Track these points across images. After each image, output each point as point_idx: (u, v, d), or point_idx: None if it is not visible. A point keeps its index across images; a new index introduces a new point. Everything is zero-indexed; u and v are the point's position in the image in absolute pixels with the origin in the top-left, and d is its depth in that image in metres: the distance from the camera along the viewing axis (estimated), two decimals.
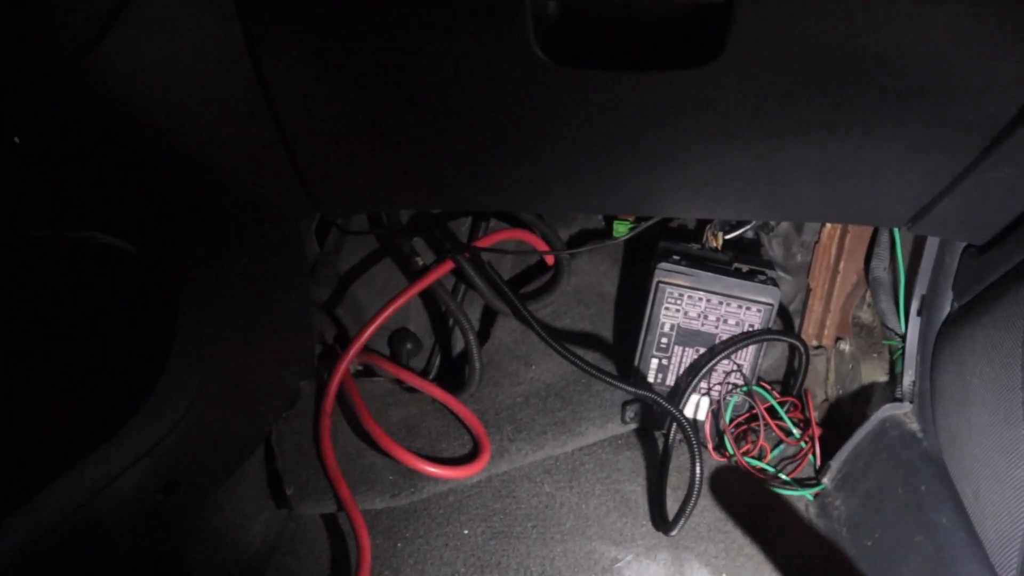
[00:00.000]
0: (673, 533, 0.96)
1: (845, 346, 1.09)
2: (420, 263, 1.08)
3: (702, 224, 1.09)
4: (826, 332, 1.10)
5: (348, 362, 1.02)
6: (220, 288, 0.80)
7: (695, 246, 1.05)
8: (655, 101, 0.63)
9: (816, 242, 1.09)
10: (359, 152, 0.73)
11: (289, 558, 0.94)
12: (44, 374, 0.78)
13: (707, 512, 1.00)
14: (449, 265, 1.08)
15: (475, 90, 0.63)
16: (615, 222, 1.12)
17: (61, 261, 0.78)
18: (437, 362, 1.15)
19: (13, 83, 0.62)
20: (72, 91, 0.64)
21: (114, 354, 0.78)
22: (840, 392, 1.09)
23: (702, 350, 1.02)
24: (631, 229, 1.08)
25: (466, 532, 0.98)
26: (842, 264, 1.06)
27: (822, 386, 1.11)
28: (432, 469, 0.98)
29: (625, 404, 1.08)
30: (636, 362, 1.04)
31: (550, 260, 1.17)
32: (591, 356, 1.09)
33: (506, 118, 0.67)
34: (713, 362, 1.01)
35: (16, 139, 0.73)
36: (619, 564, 0.95)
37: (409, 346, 1.13)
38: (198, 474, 0.83)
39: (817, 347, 1.11)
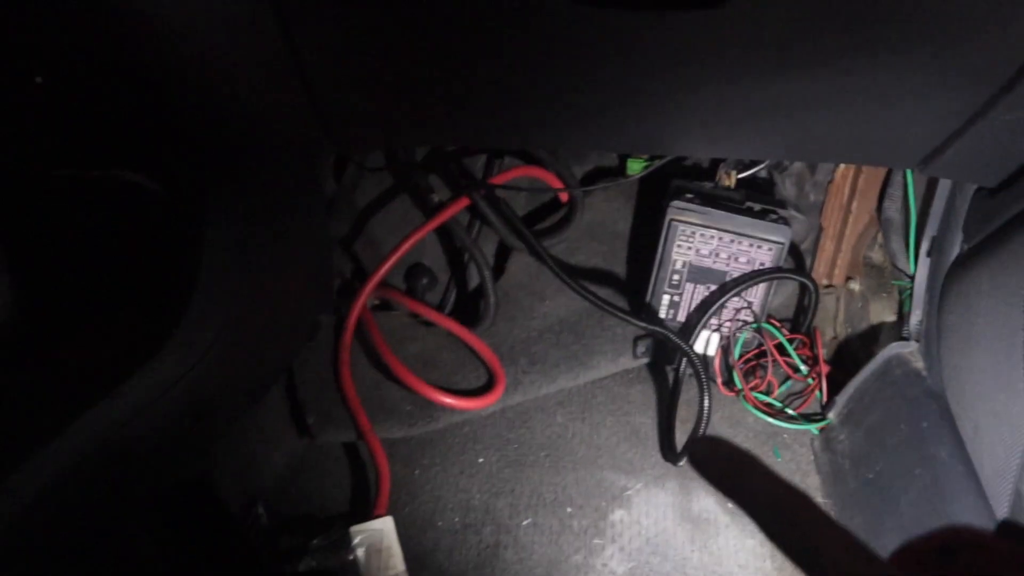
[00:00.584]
0: (681, 463, 1.00)
1: (855, 286, 1.11)
2: (436, 199, 1.09)
3: (715, 163, 1.10)
4: (837, 271, 1.12)
5: (366, 296, 1.05)
6: (243, 224, 0.82)
7: (708, 184, 1.06)
8: (671, 40, 0.64)
9: (829, 182, 1.09)
10: (377, 89, 0.74)
11: (311, 484, 0.98)
12: (75, 309, 0.81)
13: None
14: (464, 201, 1.09)
15: (491, 26, 0.64)
16: (629, 160, 1.13)
17: (87, 199, 0.80)
18: (452, 297, 1.17)
19: (39, 18, 0.64)
20: (96, 27, 0.65)
21: (142, 289, 0.80)
22: (849, 331, 1.11)
23: (713, 287, 1.04)
24: (645, 167, 1.09)
25: (481, 460, 1.01)
26: (855, 204, 1.07)
27: (831, 324, 1.13)
28: (448, 400, 1.01)
29: (636, 339, 1.10)
30: (648, 298, 1.06)
31: (564, 197, 1.18)
32: (604, 292, 1.10)
33: (522, 55, 0.67)
34: (724, 299, 1.02)
35: (39, 79, 0.74)
36: (628, 492, 0.99)
37: (425, 281, 1.15)
38: (224, 403, 0.86)
39: (827, 286, 1.13)
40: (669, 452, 1.02)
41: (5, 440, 0.66)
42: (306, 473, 0.99)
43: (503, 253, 1.20)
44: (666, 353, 1.10)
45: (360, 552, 0.86)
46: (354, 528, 0.87)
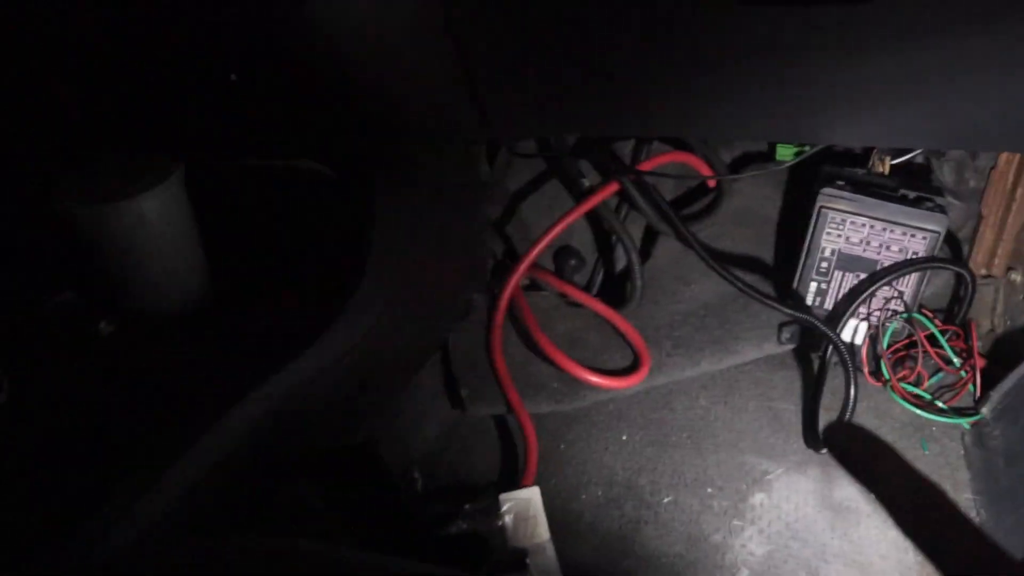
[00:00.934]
0: (824, 451, 1.00)
1: (1017, 276, 1.06)
2: (586, 184, 1.13)
3: (869, 148, 1.08)
4: (997, 261, 1.08)
5: (518, 277, 1.10)
6: (409, 209, 0.88)
7: (860, 171, 1.04)
8: (821, 30, 0.64)
9: (992, 168, 1.05)
10: (533, 81, 0.78)
11: (462, 453, 1.04)
12: (258, 285, 0.90)
13: None
14: (614, 186, 1.12)
15: (648, 19, 0.67)
16: (779, 146, 1.12)
17: (272, 185, 0.88)
18: (600, 278, 1.20)
19: (236, 28, 0.71)
20: (284, 29, 0.72)
21: (317, 267, 0.88)
22: (1008, 323, 1.07)
23: (863, 276, 1.02)
24: (796, 154, 1.08)
25: (624, 438, 1.05)
26: (1019, 192, 1.03)
27: (988, 316, 1.09)
28: (594, 379, 1.05)
29: (782, 325, 1.10)
30: (795, 285, 1.06)
31: (712, 183, 1.19)
32: (750, 277, 1.11)
33: (677, 47, 0.70)
34: (873, 288, 1.01)
35: (233, 76, 0.83)
36: (769, 476, 1.00)
37: (573, 262, 1.18)
38: (385, 376, 0.93)
39: (986, 276, 1.09)
40: (812, 439, 1.02)
41: (197, 400, 0.75)
42: (458, 443, 1.05)
43: (650, 237, 1.22)
44: (812, 340, 1.09)
45: (508, 519, 0.92)
46: (503, 496, 0.93)
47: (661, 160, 1.14)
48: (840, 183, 1.00)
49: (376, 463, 0.83)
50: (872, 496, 0.32)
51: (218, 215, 0.86)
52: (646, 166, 1.13)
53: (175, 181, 0.80)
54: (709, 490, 0.99)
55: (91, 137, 0.74)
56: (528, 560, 0.88)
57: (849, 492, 0.98)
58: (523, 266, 1.10)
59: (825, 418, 1.03)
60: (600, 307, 1.12)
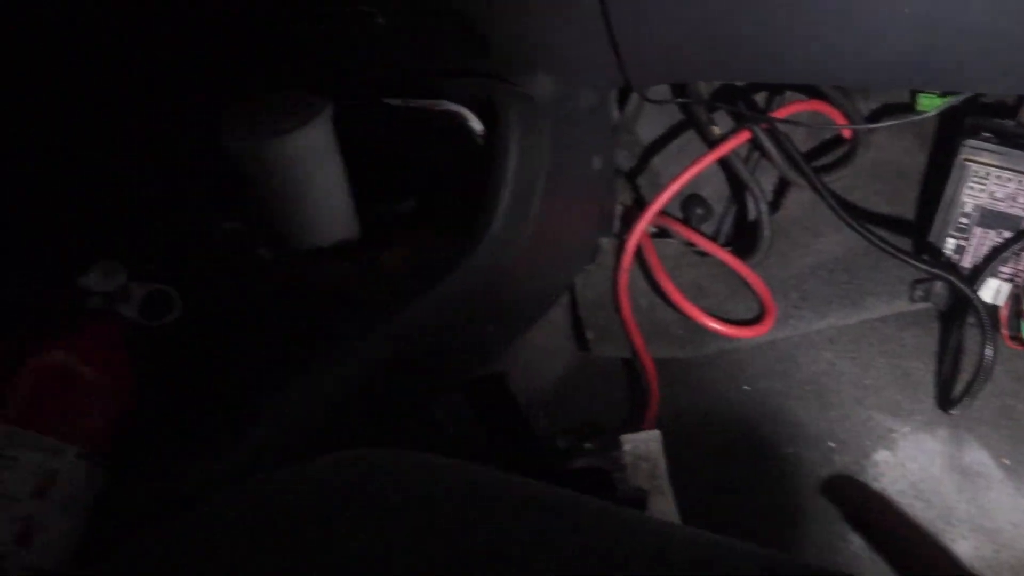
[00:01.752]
0: (954, 412, 0.98)
1: None
2: (716, 132, 1.12)
3: (1021, 99, 1.03)
4: None
5: (645, 223, 1.10)
6: (540, 151, 0.90)
7: (1010, 123, 0.99)
8: None
9: None
10: (670, 26, 0.78)
11: (586, 393, 1.07)
12: (397, 220, 0.94)
13: (994, 398, 1.00)
14: (745, 135, 1.10)
15: None
16: (920, 95, 1.08)
17: (412, 125, 0.91)
18: (727, 228, 1.20)
19: None
20: None
21: (455, 204, 0.91)
22: None
23: (1007, 234, 0.99)
24: (939, 104, 1.04)
25: (746, 388, 1.05)
26: None
27: None
28: (718, 327, 1.06)
29: (915, 282, 1.07)
30: (930, 240, 1.03)
31: (847, 133, 1.16)
32: (883, 232, 1.08)
33: None
34: (1018, 246, 0.97)
35: (380, 19, 0.86)
36: (895, 435, 0.99)
37: (700, 211, 1.18)
38: (515, 312, 0.96)
39: None
40: (943, 399, 1.00)
41: (340, 325, 0.79)
42: (583, 383, 1.08)
43: (780, 187, 1.20)
44: (947, 299, 1.06)
45: (628, 459, 0.94)
46: (624, 436, 0.95)
47: (795, 108, 1.12)
48: (986, 135, 0.97)
49: (506, 394, 0.87)
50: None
51: (363, 152, 0.90)
52: (779, 114, 1.11)
53: (324, 120, 0.84)
54: (831, 444, 0.99)
55: (254, 78, 0.79)
56: (647, 500, 0.90)
57: (980, 456, 0.96)
58: (650, 212, 1.10)
59: (959, 381, 1.00)
60: (726, 256, 1.11)
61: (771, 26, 0.75)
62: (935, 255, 1.03)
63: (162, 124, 0.89)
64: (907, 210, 1.14)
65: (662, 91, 1.17)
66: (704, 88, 1.15)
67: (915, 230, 1.10)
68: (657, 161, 1.20)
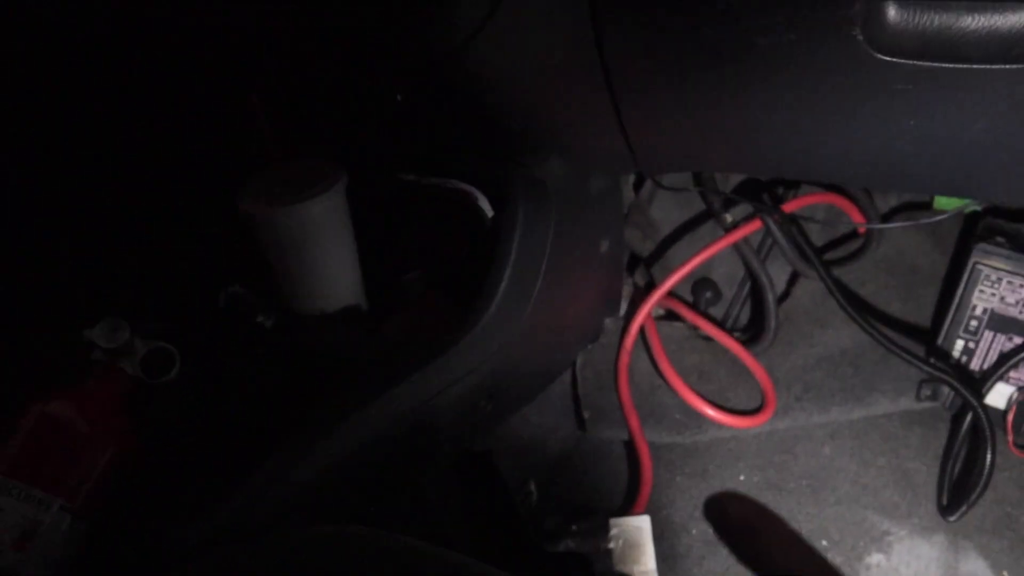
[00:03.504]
0: (952, 518, 0.96)
1: None
2: (729, 219, 1.13)
3: None
4: None
5: (651, 305, 1.11)
6: (546, 235, 0.92)
7: None
8: (983, 93, 0.63)
9: None
10: (680, 125, 0.80)
11: (579, 473, 1.07)
12: (400, 293, 0.96)
13: (996, 506, 0.98)
14: (757, 224, 1.11)
15: (796, 76, 0.67)
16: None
17: (422, 200, 0.94)
18: (735, 314, 1.20)
19: (408, 67, 0.77)
20: (447, 71, 0.78)
21: (456, 281, 0.93)
22: None
23: (1018, 339, 0.98)
24: (957, 206, 1.04)
25: (742, 478, 1.05)
26: None
27: None
28: (716, 414, 1.06)
29: (923, 382, 1.07)
30: (940, 341, 1.03)
31: (861, 228, 1.16)
32: (891, 329, 1.08)
33: (826, 100, 0.70)
34: None
35: (399, 97, 0.89)
36: (890, 537, 0.97)
37: (709, 295, 1.18)
38: (513, 389, 0.97)
39: None
40: (942, 504, 0.99)
41: (338, 392, 0.81)
42: (576, 463, 1.08)
43: (792, 276, 1.20)
44: (955, 400, 1.05)
45: (616, 544, 0.94)
46: (613, 520, 0.95)
47: (809, 200, 1.13)
48: (999, 239, 0.97)
49: (495, 473, 0.88)
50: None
51: (374, 223, 0.92)
52: (792, 206, 1.12)
53: (338, 190, 0.86)
54: (824, 542, 0.98)
55: (274, 148, 0.83)
56: None
57: (977, 566, 0.94)
58: (658, 294, 1.11)
59: (962, 485, 0.99)
60: (731, 343, 1.12)
61: (779, 132, 0.76)
62: (943, 356, 1.03)
63: (179, 187, 0.93)
64: (918, 307, 1.14)
65: (678, 176, 1.18)
66: (720, 176, 1.17)
67: (925, 329, 1.10)
68: (668, 244, 1.21)
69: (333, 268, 0.90)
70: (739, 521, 0.33)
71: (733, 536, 0.34)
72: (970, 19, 0.60)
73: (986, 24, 0.60)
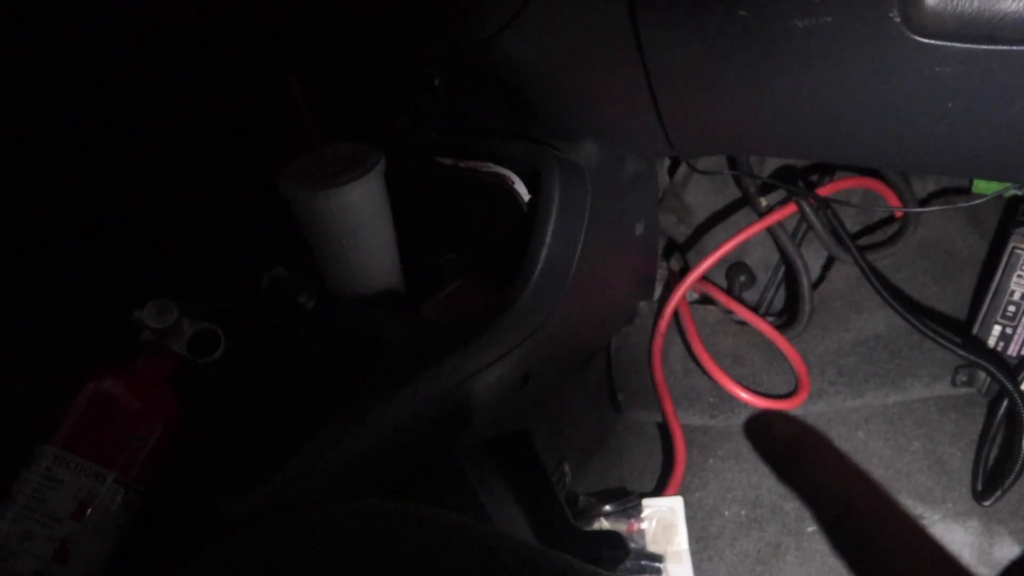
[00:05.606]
0: (987, 503, 0.96)
1: None
2: (764, 203, 1.13)
3: None
4: None
5: (685, 289, 1.12)
6: (584, 214, 0.93)
7: None
8: (1021, 74, 0.63)
9: None
10: (715, 108, 0.81)
11: (613, 454, 1.08)
12: (438, 275, 0.97)
13: None
14: (792, 208, 1.11)
15: (834, 58, 0.68)
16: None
17: (459, 183, 0.95)
18: (769, 298, 1.20)
19: (446, 52, 0.78)
20: (484, 55, 0.79)
21: (494, 261, 0.94)
22: None
23: None
24: (996, 190, 1.03)
25: None
26: None
27: None
28: (749, 397, 1.06)
29: (958, 367, 1.06)
30: (976, 326, 1.02)
31: (898, 212, 1.16)
32: (927, 313, 1.08)
33: (863, 82, 0.70)
34: None
35: (437, 82, 0.90)
36: (924, 521, 0.97)
37: (743, 279, 1.19)
38: (548, 370, 0.98)
39: None
40: (977, 489, 0.99)
41: (379, 373, 0.82)
42: (611, 444, 1.09)
43: (828, 261, 1.20)
44: (991, 385, 1.05)
45: (649, 524, 0.95)
46: (646, 500, 0.96)
47: (845, 184, 1.13)
48: None
49: (531, 452, 0.89)
50: None
51: (412, 206, 0.94)
52: (827, 190, 1.12)
53: (377, 174, 0.88)
54: None
55: (314, 132, 0.84)
56: (664, 565, 0.91)
57: (1012, 551, 0.94)
58: (692, 278, 1.12)
59: (997, 471, 0.99)
60: (765, 327, 1.12)
61: (816, 115, 0.76)
62: (980, 341, 1.02)
63: (222, 171, 0.95)
64: (955, 293, 1.13)
65: (712, 160, 1.19)
66: (755, 160, 1.17)
67: (962, 314, 1.10)
68: (703, 228, 1.21)
69: (372, 251, 0.91)
70: (785, 442, 0.33)
71: (777, 458, 0.34)
72: (1009, 1, 0.60)
73: None
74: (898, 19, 0.61)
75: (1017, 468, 0.94)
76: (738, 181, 1.18)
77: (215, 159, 0.96)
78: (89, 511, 0.65)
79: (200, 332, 0.75)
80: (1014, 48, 0.61)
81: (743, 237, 1.11)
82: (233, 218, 0.96)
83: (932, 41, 0.62)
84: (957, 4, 0.62)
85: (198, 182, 0.95)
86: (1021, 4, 0.60)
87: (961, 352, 0.99)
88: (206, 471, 0.72)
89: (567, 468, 1.01)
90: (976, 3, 0.61)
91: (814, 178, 1.16)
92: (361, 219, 0.89)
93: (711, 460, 1.06)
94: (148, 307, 0.73)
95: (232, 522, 0.66)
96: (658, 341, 1.11)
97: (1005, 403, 0.99)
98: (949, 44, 0.62)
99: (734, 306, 1.14)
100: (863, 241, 1.17)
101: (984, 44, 0.62)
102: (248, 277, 0.84)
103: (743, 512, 1.01)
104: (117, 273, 0.91)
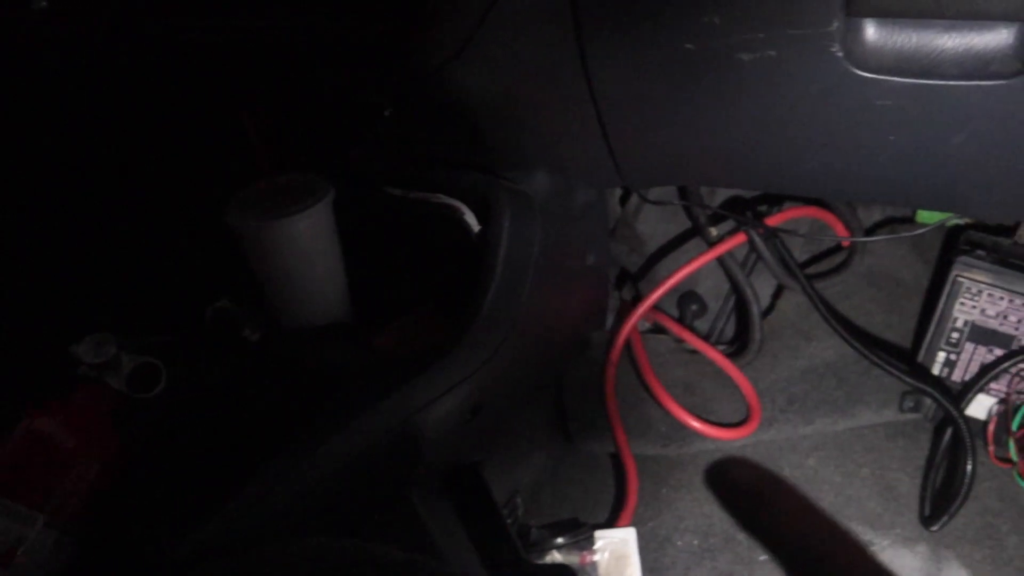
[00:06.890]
0: (934, 528, 0.97)
1: None
2: (714, 233, 1.14)
3: None
4: None
5: (637, 318, 1.12)
6: (534, 244, 0.92)
7: (1006, 241, 1.01)
8: (959, 109, 0.65)
9: None
10: (664, 139, 0.81)
11: (565, 485, 1.07)
12: (389, 307, 0.96)
13: (978, 517, 0.99)
14: (741, 237, 1.12)
15: (778, 91, 0.69)
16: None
17: (409, 214, 0.94)
18: (720, 327, 1.21)
19: (395, 81, 0.78)
20: (434, 85, 0.79)
21: (443, 294, 0.93)
22: None
23: (998, 351, 0.99)
24: (938, 220, 1.05)
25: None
26: None
27: None
28: (701, 426, 1.06)
29: (905, 393, 1.07)
30: (921, 353, 1.04)
31: (845, 242, 1.17)
32: (874, 341, 1.09)
33: (807, 115, 0.71)
34: (1008, 365, 0.98)
35: (387, 112, 0.90)
36: (874, 548, 0.98)
37: (694, 308, 1.19)
38: (499, 402, 0.97)
39: None
40: (924, 515, 1.00)
41: (329, 406, 0.81)
42: (562, 475, 1.08)
43: (778, 289, 1.21)
44: (937, 411, 1.06)
45: (601, 556, 0.94)
46: (599, 532, 0.95)
47: (793, 214, 1.14)
48: (980, 252, 0.98)
49: (481, 485, 0.88)
50: None
51: (361, 237, 0.93)
52: (776, 219, 1.13)
53: (325, 204, 0.87)
54: None
55: (263, 162, 0.83)
56: None
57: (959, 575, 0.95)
58: (643, 308, 1.12)
59: (944, 496, 1.00)
60: (716, 356, 1.12)
61: (763, 147, 0.77)
62: (925, 368, 1.04)
63: (166, 201, 0.93)
64: (901, 320, 1.15)
65: (663, 190, 1.19)
66: (705, 190, 1.18)
67: (907, 340, 1.11)
68: (655, 257, 1.22)
69: (319, 282, 0.90)
70: (744, 487, 0.33)
71: (737, 504, 0.33)
72: (947, 38, 0.62)
73: (963, 42, 0.62)
74: (840, 53, 0.63)
75: (963, 493, 0.95)
76: (688, 211, 1.18)
77: (158, 187, 0.94)
78: (18, 555, 0.62)
79: (140, 367, 0.73)
80: (951, 83, 0.62)
81: (694, 267, 1.12)
82: (176, 248, 0.94)
83: (873, 75, 0.64)
84: (896, 39, 0.63)
85: (139, 209, 0.93)
86: (958, 40, 0.62)
87: (907, 379, 1.01)
88: (147, 512, 0.69)
89: (519, 500, 1.00)
90: (915, 39, 0.63)
91: (763, 208, 1.17)
92: (309, 250, 0.88)
93: (664, 490, 1.06)
94: (85, 341, 0.71)
95: (174, 565, 0.64)
96: (610, 371, 1.11)
97: (950, 429, 1.01)
98: (889, 78, 0.64)
99: (686, 335, 1.15)
100: (811, 270, 1.18)
101: (923, 79, 0.63)
102: (191, 309, 0.82)
103: (695, 542, 1.01)
104: (51, 305, 0.88)
